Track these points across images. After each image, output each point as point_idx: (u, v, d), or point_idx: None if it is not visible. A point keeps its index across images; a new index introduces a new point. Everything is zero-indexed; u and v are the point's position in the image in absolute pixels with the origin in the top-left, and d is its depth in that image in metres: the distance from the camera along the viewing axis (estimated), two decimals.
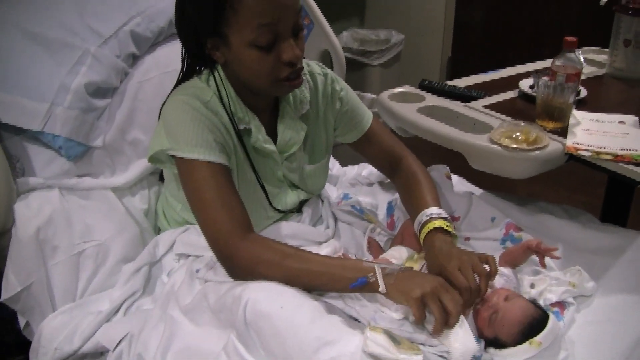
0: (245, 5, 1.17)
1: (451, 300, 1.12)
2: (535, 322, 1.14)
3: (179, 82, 1.38)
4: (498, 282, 1.25)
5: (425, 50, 3.89)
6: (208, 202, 1.23)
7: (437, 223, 1.30)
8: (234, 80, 1.31)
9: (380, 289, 1.14)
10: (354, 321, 1.17)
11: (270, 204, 1.40)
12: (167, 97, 1.33)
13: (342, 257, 1.36)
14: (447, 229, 1.30)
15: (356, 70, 3.55)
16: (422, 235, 1.32)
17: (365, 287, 1.16)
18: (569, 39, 1.60)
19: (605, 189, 2.01)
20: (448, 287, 1.15)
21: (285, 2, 1.20)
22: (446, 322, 1.11)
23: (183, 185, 1.27)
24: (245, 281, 1.18)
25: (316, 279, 1.18)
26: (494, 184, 1.71)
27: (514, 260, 1.32)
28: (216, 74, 1.31)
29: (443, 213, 1.34)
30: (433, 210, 1.34)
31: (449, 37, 3.85)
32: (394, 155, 1.54)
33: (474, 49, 3.80)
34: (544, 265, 1.30)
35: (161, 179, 1.56)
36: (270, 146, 1.36)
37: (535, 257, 1.34)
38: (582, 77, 1.72)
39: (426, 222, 1.32)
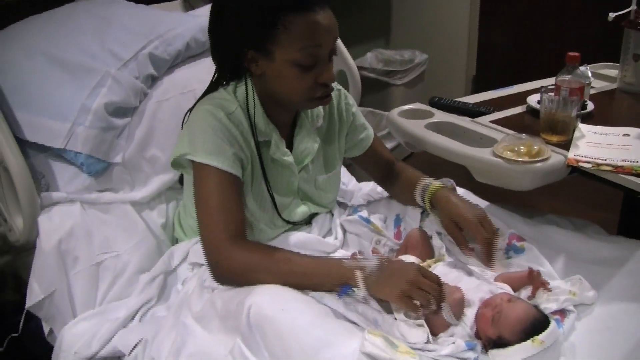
0: (297, 27, 1.25)
1: (429, 286, 1.18)
2: (537, 321, 1.17)
3: (208, 91, 1.44)
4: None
5: (448, 69, 3.91)
6: (209, 209, 1.29)
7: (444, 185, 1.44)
8: (263, 93, 1.38)
9: (362, 295, 1.21)
10: (354, 325, 1.20)
11: (279, 214, 1.45)
12: (194, 106, 1.41)
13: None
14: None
15: (380, 90, 3.59)
16: (429, 195, 1.43)
17: (351, 290, 1.23)
18: (572, 54, 1.64)
19: (622, 204, 2.00)
20: (424, 272, 1.21)
21: (330, 29, 1.28)
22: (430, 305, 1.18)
23: (194, 190, 1.34)
24: (250, 287, 1.23)
25: (304, 282, 1.25)
26: (507, 199, 1.70)
27: (510, 283, 1.33)
28: (248, 84, 1.37)
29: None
30: (432, 179, 1.47)
31: (473, 56, 3.86)
32: (389, 165, 1.64)
33: (497, 67, 3.81)
34: (533, 295, 1.31)
35: (180, 182, 1.62)
36: (289, 158, 1.43)
37: (538, 266, 1.36)
38: (592, 91, 1.74)
39: (430, 184, 1.45)
